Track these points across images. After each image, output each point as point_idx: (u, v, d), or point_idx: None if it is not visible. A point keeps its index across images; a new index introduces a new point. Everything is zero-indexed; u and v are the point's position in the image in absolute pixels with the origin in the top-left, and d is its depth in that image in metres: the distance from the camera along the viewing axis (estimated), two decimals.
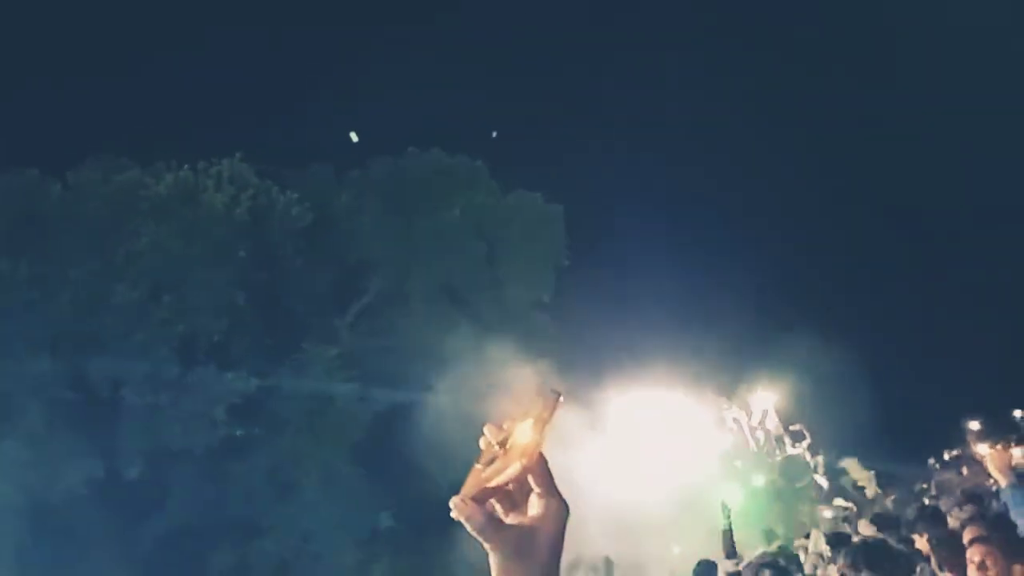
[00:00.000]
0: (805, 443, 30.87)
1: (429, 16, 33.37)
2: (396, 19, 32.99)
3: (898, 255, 33.88)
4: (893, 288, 33.44)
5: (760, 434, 30.69)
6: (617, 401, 27.35)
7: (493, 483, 3.35)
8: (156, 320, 24.77)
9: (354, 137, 28.99)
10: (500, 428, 3.39)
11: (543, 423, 3.34)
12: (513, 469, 3.35)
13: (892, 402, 29.68)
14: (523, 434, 3.35)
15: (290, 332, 26.29)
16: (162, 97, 28.73)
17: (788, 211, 33.38)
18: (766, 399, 31.15)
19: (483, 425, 3.41)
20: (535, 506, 3.39)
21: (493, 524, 3.36)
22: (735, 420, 30.93)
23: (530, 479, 3.39)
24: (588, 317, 28.84)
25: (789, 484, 29.80)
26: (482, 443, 3.40)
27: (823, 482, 30.61)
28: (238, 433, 25.51)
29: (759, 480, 29.31)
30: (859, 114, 34.04)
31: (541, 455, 3.39)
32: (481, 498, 3.35)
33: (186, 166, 26.13)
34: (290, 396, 25.63)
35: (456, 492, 3.36)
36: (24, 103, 27.43)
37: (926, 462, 27.40)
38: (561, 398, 3.37)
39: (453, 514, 3.37)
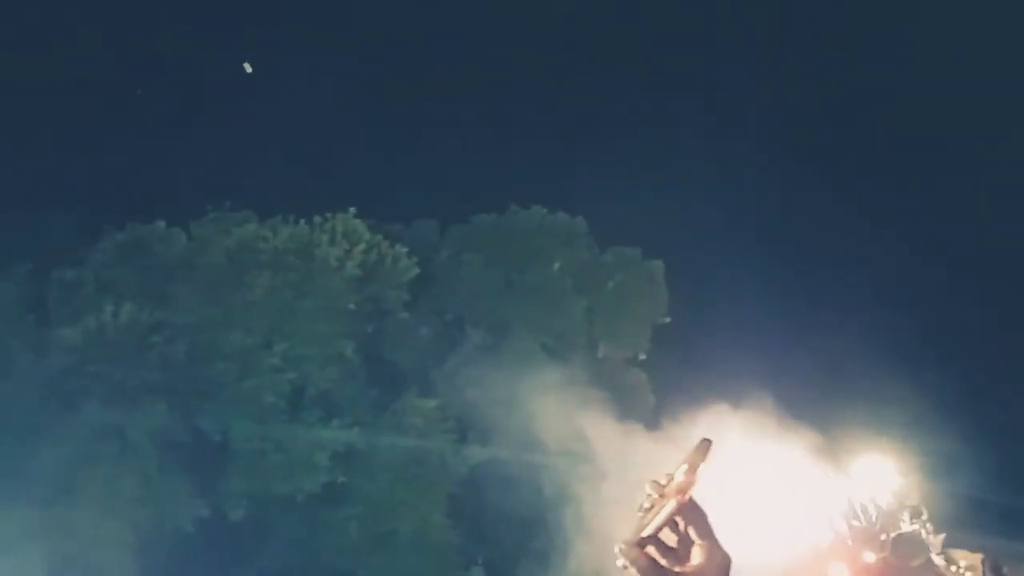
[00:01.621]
0: (922, 519, 30.21)
1: (531, 75, 34.80)
2: (498, 83, 34.50)
3: None
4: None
5: (872, 508, 30.16)
6: (714, 466, 27.55)
7: (653, 525, 3.67)
8: (267, 367, 26.37)
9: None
10: (660, 483, 3.73)
11: (696, 467, 3.70)
12: (668, 508, 3.66)
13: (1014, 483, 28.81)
14: (677, 477, 3.73)
15: (392, 383, 27.53)
16: (281, 152, 30.81)
17: (916, 260, 32.90)
18: (881, 470, 30.63)
19: (646, 482, 3.71)
20: (698, 555, 3.66)
21: (657, 569, 3.61)
22: (846, 492, 30.51)
23: (690, 528, 3.67)
24: (686, 374, 29.10)
25: (903, 562, 29.19)
26: (644, 495, 3.73)
27: (940, 561, 29.90)
28: (339, 480, 26.74)
29: (870, 557, 28.82)
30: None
31: (698, 505, 3.70)
32: (644, 544, 3.66)
33: (302, 220, 27.93)
34: (390, 446, 26.78)
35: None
36: (152, 156, 29.89)
37: None
38: (712, 444, 3.75)
39: (618, 561, 3.65)
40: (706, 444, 3.76)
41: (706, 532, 3.69)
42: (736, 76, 34.70)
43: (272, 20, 34.01)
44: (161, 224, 28.53)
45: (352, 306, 27.20)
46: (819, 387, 29.11)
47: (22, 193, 28.84)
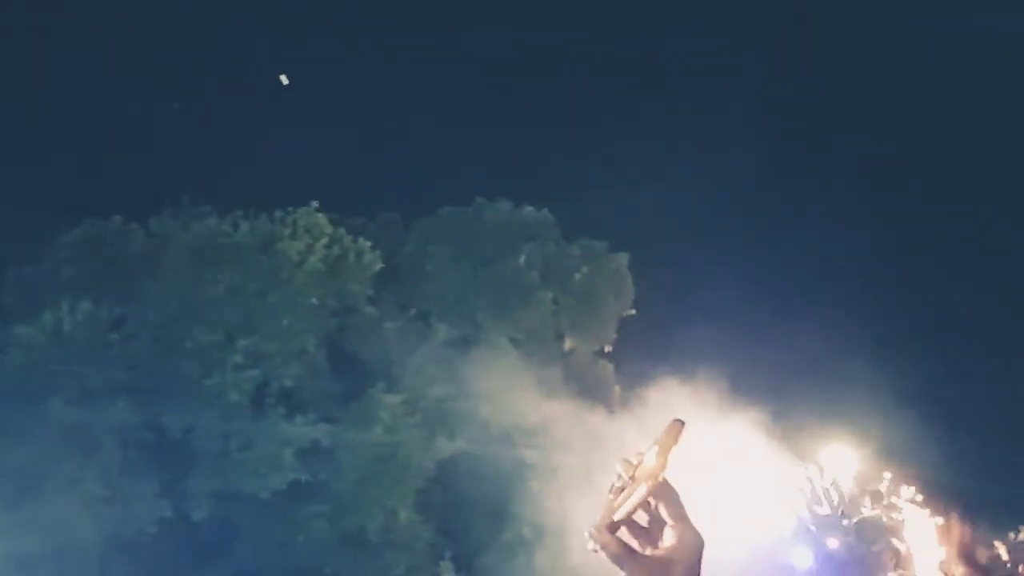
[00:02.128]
0: (883, 504, 30.76)
1: (502, 65, 34.85)
2: (465, 74, 34.52)
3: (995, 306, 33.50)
4: (988, 345, 32.95)
5: (834, 494, 30.66)
6: (680, 455, 27.83)
7: (624, 509, 3.59)
8: (230, 364, 26.22)
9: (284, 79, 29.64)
10: (631, 462, 3.63)
11: (667, 450, 3.61)
12: (639, 493, 3.58)
13: (976, 467, 29.35)
14: (648, 460, 3.62)
15: (358, 378, 27.50)
16: (240, 146, 30.58)
17: (871, 251, 33.49)
18: (842, 456, 31.11)
19: (617, 460, 3.60)
20: (670, 537, 3.57)
21: (628, 553, 3.52)
22: (808, 478, 30.96)
23: (662, 510, 3.58)
24: (652, 366, 29.43)
25: (865, 547, 29.72)
26: (614, 476, 3.63)
27: (901, 546, 30.44)
28: (304, 478, 26.69)
29: (833, 543, 29.28)
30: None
31: (671, 486, 3.60)
32: (614, 527, 3.57)
33: (263, 215, 27.77)
34: (356, 442, 26.76)
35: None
36: (108, 153, 29.54)
37: (1007, 534, 27.25)
38: (684, 425, 3.64)
39: (588, 544, 3.55)
40: (678, 425, 3.68)
41: (679, 514, 3.61)
42: (703, 66, 35.01)
43: (236, 11, 33.74)
44: (117, 219, 28.24)
45: (315, 301, 27.12)
46: (783, 374, 29.59)
47: None
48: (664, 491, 3.61)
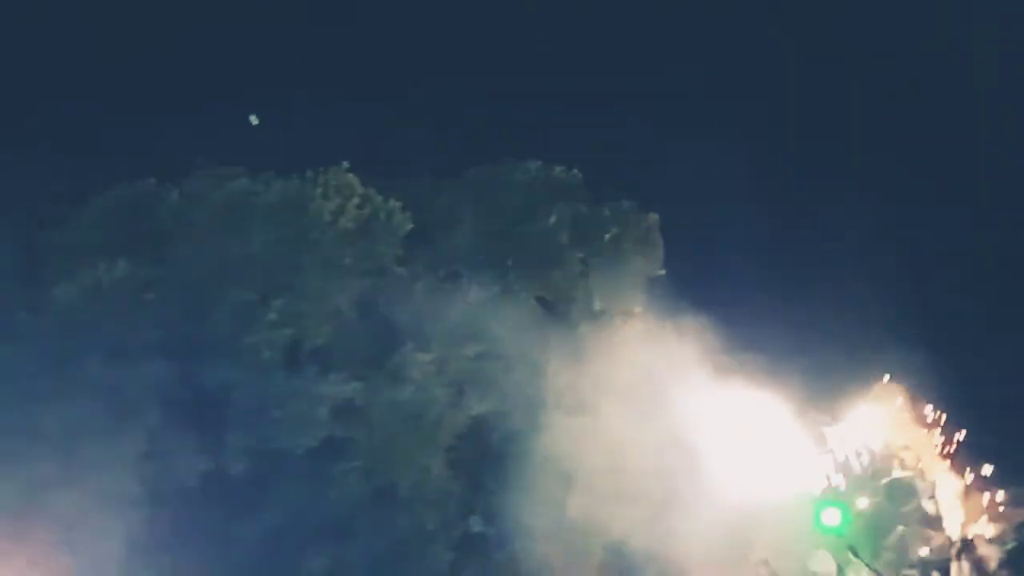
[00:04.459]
0: (914, 465, 31.83)
1: (523, 28, 35.64)
2: (491, 36, 35.28)
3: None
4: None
5: (865, 455, 31.75)
6: (712, 412, 29.01)
7: None
8: (264, 323, 27.67)
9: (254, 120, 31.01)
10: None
11: None
12: None
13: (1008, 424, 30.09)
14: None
15: (389, 338, 28.87)
16: (270, 106, 31.80)
17: (899, 217, 34.19)
18: (874, 418, 32.13)
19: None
20: None
21: None
22: (840, 439, 32.05)
23: None
24: (685, 327, 30.47)
25: (895, 507, 30.88)
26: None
27: (930, 507, 31.58)
28: (337, 435, 28.19)
29: (863, 502, 30.46)
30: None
31: None
32: None
33: (295, 175, 29.04)
34: (388, 400, 28.19)
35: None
36: (140, 116, 30.85)
37: None
38: None
39: None
40: None
41: None
42: (732, 27, 35.62)
43: None
44: (151, 181, 29.60)
45: (347, 261, 28.45)
46: (812, 339, 30.54)
47: (7, 157, 29.81)
48: None
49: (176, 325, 28.13)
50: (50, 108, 31.07)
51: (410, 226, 29.95)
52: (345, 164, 29.25)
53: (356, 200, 28.78)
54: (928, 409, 31.46)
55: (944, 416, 31.27)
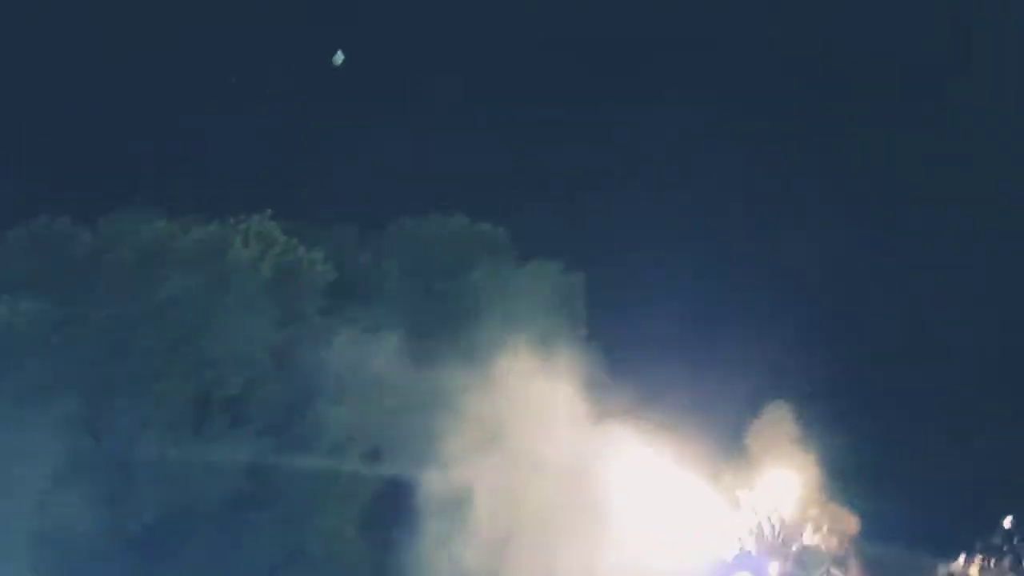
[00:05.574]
0: (824, 531, 32.70)
1: (453, 79, 36.21)
2: (422, 86, 35.76)
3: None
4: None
5: (775, 520, 32.52)
6: (625, 476, 29.40)
7: None
8: (176, 370, 27.36)
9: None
10: None
11: None
12: None
13: (918, 490, 31.00)
14: None
15: (305, 389, 28.76)
16: (193, 150, 31.73)
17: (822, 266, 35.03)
18: (784, 482, 32.92)
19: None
20: None
21: None
22: (750, 505, 32.74)
23: None
24: (601, 384, 30.95)
25: (806, 574, 31.66)
26: None
27: (838, 574, 32.47)
28: (248, 489, 27.86)
29: (773, 569, 31.19)
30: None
31: None
32: None
33: (216, 220, 28.98)
34: (299, 461, 27.98)
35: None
36: (58, 152, 30.48)
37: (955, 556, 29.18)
38: None
39: None
40: None
41: None
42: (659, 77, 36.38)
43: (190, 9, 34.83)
44: (66, 219, 29.26)
45: (266, 309, 28.38)
46: (725, 400, 31.27)
47: None
48: None
49: (84, 367, 27.64)
50: None
51: (333, 276, 30.08)
52: (268, 211, 29.34)
53: (277, 248, 28.84)
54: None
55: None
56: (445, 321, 30.77)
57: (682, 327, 32.70)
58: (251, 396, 28.47)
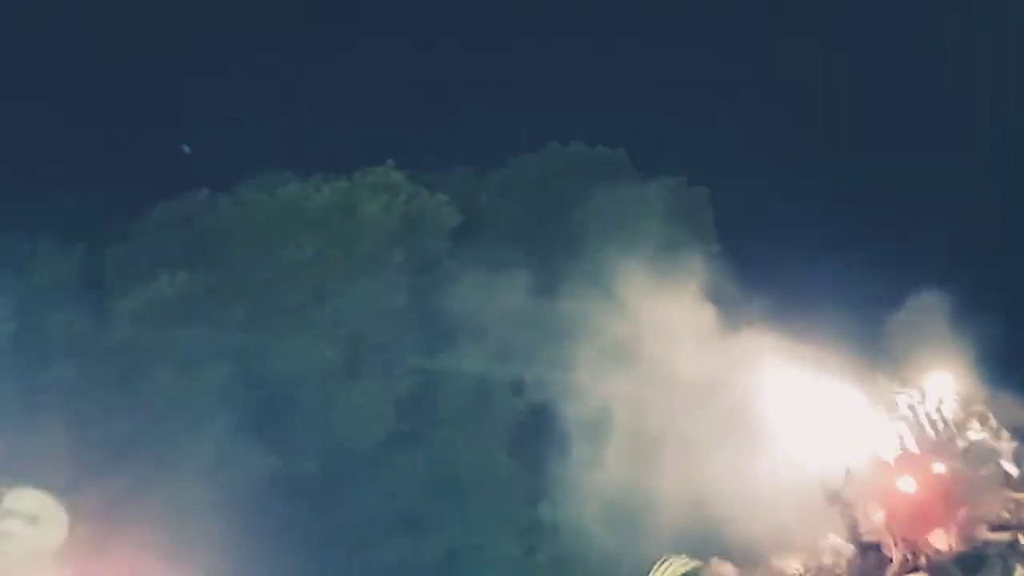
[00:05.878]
0: (990, 426, 31.70)
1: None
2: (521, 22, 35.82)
3: None
4: None
5: (938, 419, 31.72)
6: (768, 385, 29.24)
7: None
8: (322, 324, 28.79)
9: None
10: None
11: None
12: None
13: None
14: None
15: (446, 331, 29.77)
16: (314, 112, 32.91)
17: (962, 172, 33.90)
18: (944, 381, 32.06)
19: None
20: None
21: None
22: (910, 406, 32.02)
23: None
24: (742, 302, 30.71)
25: (973, 471, 30.80)
26: None
27: (1011, 469, 31.45)
28: (402, 429, 29.24)
29: (940, 467, 30.45)
30: None
31: None
32: None
33: (343, 176, 30.09)
34: (449, 392, 29.13)
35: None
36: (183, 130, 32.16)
37: None
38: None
39: None
40: None
41: None
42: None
43: None
44: (204, 191, 30.90)
45: (400, 258, 29.43)
46: (881, 302, 30.53)
47: (64, 173, 31.26)
48: None
49: (236, 332, 29.36)
50: (101, 123, 32.43)
51: (458, 219, 30.81)
52: (390, 162, 30.21)
53: (403, 197, 29.74)
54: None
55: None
56: (572, 248, 31.14)
57: (822, 236, 32.09)
58: (395, 342, 29.69)
